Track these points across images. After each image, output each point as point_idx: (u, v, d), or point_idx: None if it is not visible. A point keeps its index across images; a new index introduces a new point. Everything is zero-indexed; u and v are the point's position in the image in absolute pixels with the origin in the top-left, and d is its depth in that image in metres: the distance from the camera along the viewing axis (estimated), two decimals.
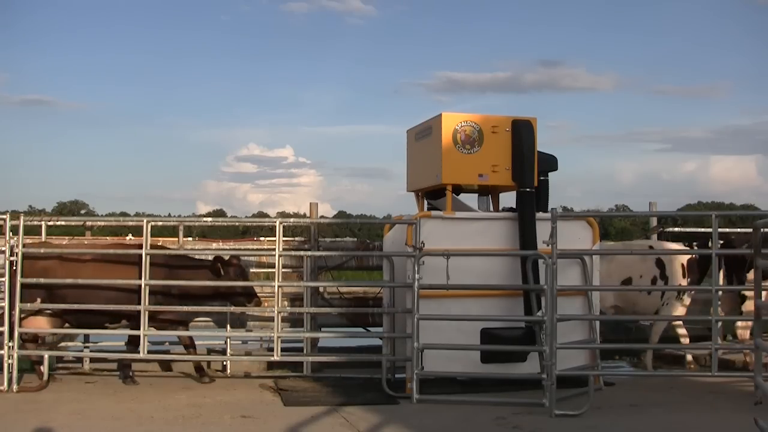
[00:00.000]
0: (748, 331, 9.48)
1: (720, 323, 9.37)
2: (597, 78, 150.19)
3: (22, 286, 8.41)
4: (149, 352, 8.79)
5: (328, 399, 8.26)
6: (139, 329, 8.46)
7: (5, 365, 8.31)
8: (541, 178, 9.12)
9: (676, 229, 12.47)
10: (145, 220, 8.72)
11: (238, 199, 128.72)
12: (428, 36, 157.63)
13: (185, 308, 8.77)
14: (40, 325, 8.75)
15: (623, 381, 9.40)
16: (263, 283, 8.98)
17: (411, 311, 8.20)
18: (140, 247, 8.51)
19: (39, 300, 8.59)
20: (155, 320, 8.81)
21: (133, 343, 8.86)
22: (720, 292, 9.22)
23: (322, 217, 11.67)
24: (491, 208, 9.64)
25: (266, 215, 69.64)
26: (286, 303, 9.56)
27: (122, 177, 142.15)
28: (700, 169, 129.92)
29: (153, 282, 8.49)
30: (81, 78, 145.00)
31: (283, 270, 8.81)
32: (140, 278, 8.42)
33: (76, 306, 8.50)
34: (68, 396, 8.25)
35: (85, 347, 9.75)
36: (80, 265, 8.74)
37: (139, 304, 8.44)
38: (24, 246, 8.40)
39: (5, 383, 8.26)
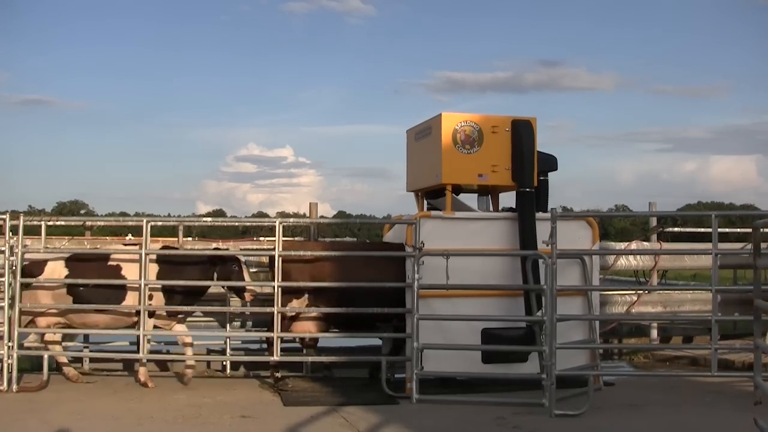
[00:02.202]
0: None
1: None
2: (597, 78, 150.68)
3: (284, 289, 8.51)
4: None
5: (328, 399, 8.26)
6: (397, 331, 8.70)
7: (5, 365, 8.30)
8: (541, 178, 9.12)
9: (676, 229, 12.47)
10: (144, 220, 8.72)
11: (237, 199, 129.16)
12: (428, 35, 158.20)
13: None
14: (307, 328, 8.84)
15: (623, 381, 9.41)
16: (264, 283, 8.95)
17: (411, 311, 8.20)
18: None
19: (296, 302, 8.70)
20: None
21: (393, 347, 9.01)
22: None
23: (321, 217, 11.66)
24: (491, 208, 9.63)
25: (266, 215, 69.76)
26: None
27: (122, 177, 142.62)
28: (700, 169, 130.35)
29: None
30: (80, 78, 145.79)
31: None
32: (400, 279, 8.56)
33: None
34: (68, 396, 8.25)
35: (84, 347, 9.74)
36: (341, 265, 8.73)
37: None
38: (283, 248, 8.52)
39: (5, 383, 8.26)
